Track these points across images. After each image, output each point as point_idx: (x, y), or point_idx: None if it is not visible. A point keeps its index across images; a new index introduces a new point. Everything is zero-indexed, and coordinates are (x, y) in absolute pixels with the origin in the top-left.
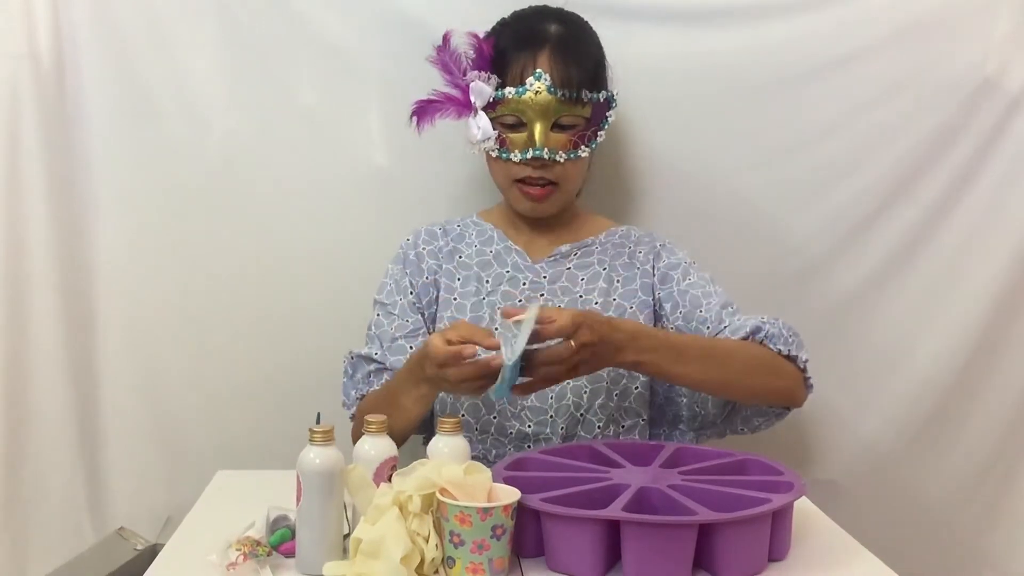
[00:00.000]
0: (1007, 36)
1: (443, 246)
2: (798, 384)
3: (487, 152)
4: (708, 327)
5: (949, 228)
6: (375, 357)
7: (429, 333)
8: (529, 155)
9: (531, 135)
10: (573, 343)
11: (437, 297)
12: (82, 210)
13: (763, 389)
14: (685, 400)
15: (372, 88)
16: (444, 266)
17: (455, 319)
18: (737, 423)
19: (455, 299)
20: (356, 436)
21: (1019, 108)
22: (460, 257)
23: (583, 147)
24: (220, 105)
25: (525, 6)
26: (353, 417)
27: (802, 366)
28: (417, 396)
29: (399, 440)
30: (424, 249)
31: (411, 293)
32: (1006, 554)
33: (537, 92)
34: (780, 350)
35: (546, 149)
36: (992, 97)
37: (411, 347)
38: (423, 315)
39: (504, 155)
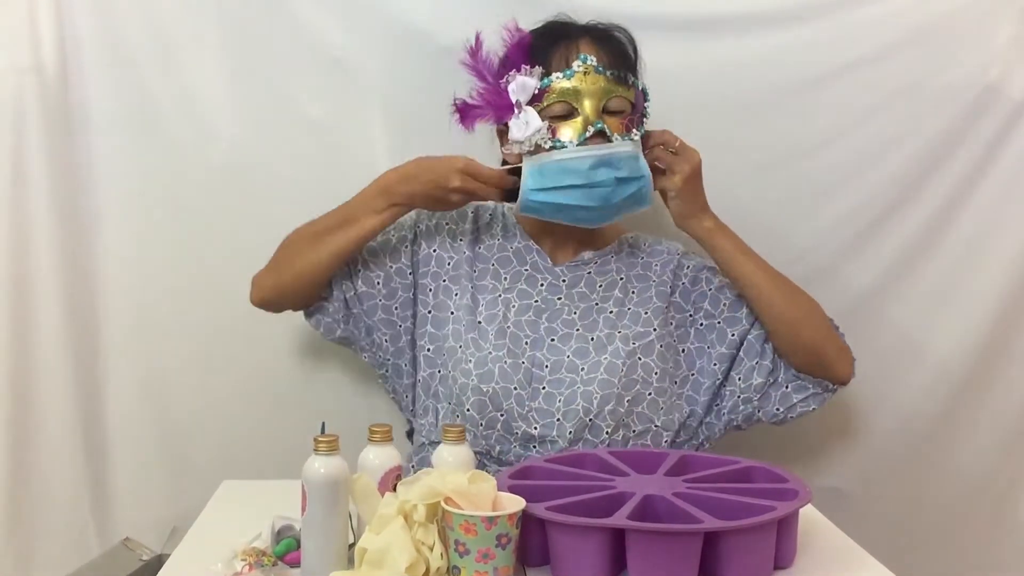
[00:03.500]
0: (1009, 43)
1: (468, 230)
2: (846, 356)
3: (537, 144)
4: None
5: (953, 234)
6: None
7: (389, 300)
8: (590, 132)
9: (585, 116)
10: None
11: (440, 275)
12: (86, 221)
13: (817, 337)
14: (730, 387)
15: (376, 98)
16: (464, 252)
17: (468, 307)
18: (774, 400)
19: (471, 288)
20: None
21: (1022, 114)
22: (480, 248)
23: (635, 131)
24: (224, 116)
25: (529, 13)
26: (274, 257)
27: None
28: (382, 209)
29: (322, 275)
30: (446, 225)
31: (405, 247)
32: (1012, 561)
33: (586, 72)
34: (832, 320)
35: (605, 127)
36: (995, 103)
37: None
38: (400, 271)
39: (558, 144)
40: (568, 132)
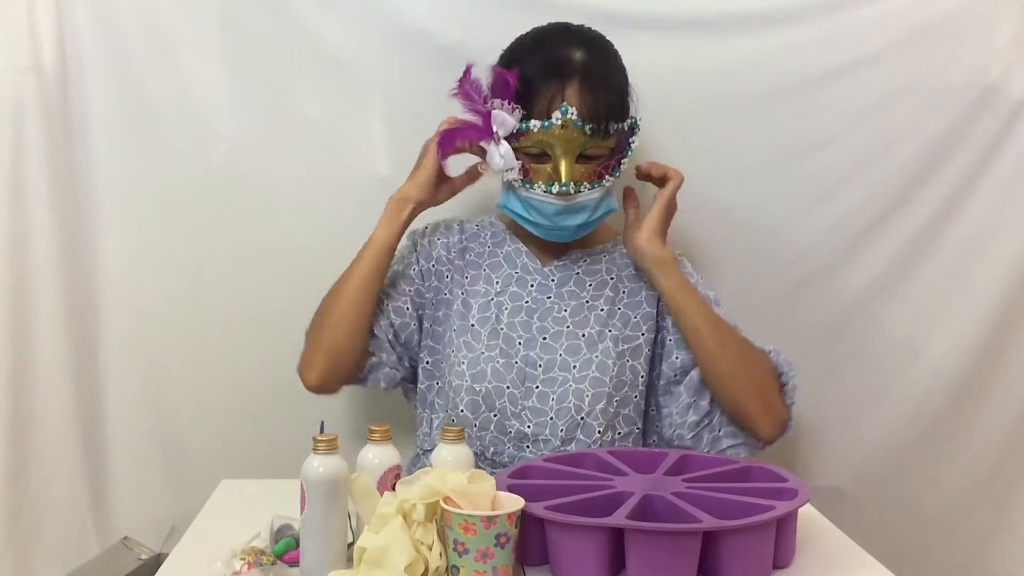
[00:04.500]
0: (1009, 43)
1: (456, 242)
2: (773, 418)
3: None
4: None
5: (952, 234)
6: None
7: (419, 322)
8: (555, 189)
9: (556, 169)
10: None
11: (441, 289)
12: (86, 221)
13: (741, 395)
14: (666, 410)
15: (375, 98)
16: (455, 262)
17: (461, 312)
18: (705, 442)
19: (463, 294)
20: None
21: (1022, 114)
22: (470, 256)
23: (607, 177)
24: (224, 116)
25: (528, 13)
26: (308, 334)
27: (788, 403)
28: (401, 220)
29: (364, 320)
30: (438, 240)
31: (413, 268)
32: (1011, 560)
33: (564, 126)
34: (782, 371)
35: (572, 183)
36: (995, 103)
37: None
38: (417, 291)
39: (527, 186)
40: (539, 176)
